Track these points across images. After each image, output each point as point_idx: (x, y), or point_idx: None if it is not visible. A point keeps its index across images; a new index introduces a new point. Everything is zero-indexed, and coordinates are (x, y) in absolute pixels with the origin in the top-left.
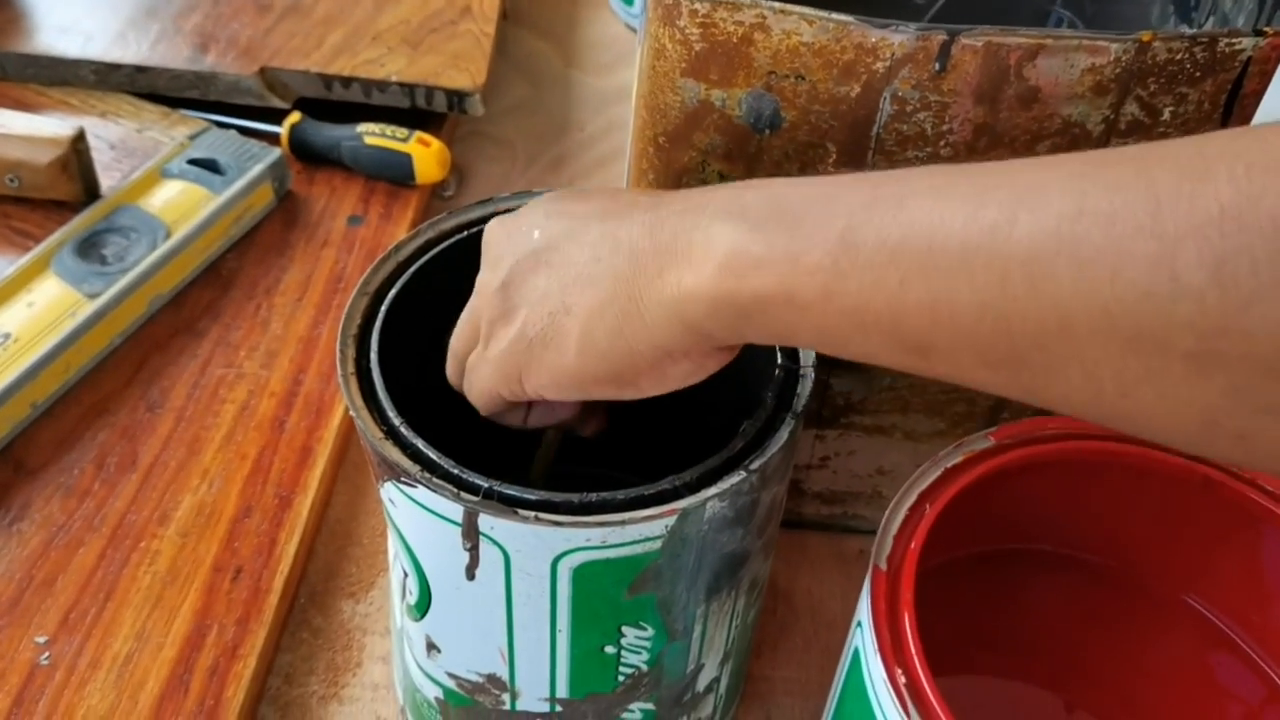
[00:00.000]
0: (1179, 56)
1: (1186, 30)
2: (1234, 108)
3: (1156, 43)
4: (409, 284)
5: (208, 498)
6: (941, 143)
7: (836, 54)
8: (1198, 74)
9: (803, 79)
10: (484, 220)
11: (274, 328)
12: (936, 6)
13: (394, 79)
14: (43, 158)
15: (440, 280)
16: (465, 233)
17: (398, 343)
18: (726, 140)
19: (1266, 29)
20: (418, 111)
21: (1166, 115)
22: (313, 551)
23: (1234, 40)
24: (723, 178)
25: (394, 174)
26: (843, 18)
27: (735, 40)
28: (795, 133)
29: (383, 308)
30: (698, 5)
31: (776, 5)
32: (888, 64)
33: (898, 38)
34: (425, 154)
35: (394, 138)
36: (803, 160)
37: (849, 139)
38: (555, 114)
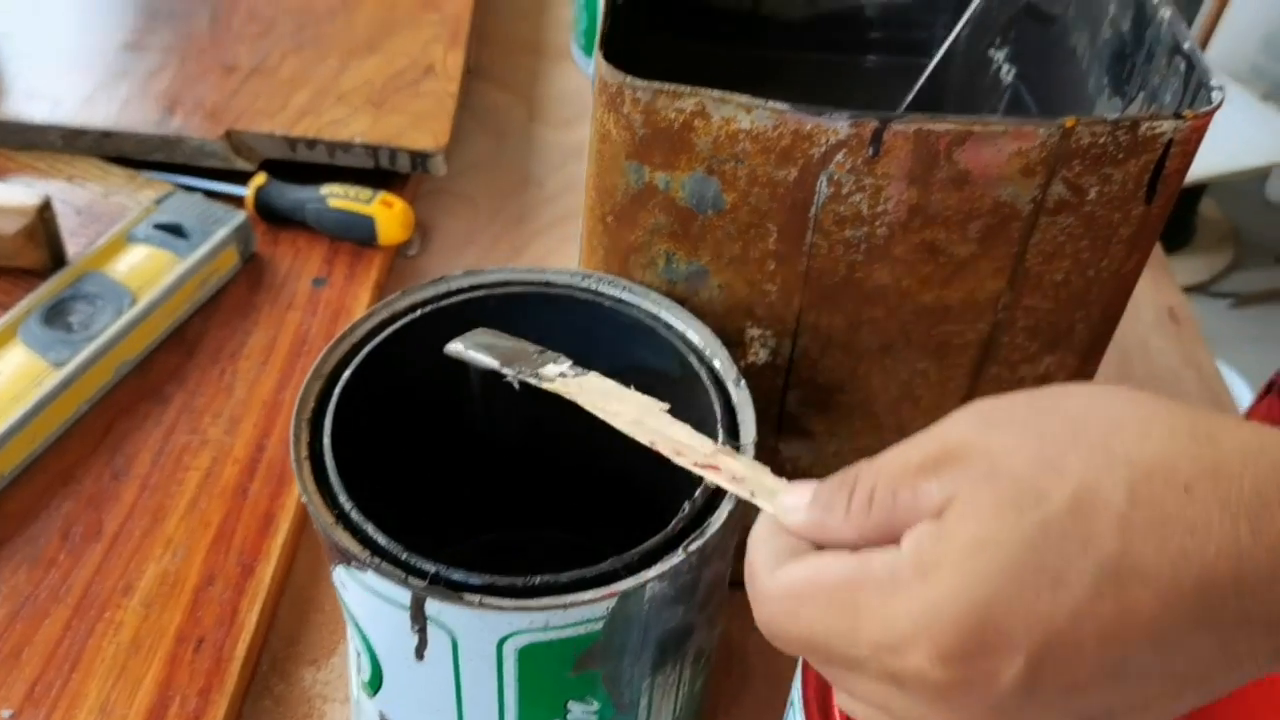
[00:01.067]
0: (1102, 140)
1: (1108, 116)
2: (1157, 186)
3: (1080, 127)
4: (363, 365)
5: (171, 566)
6: (877, 222)
7: (774, 140)
8: (1121, 156)
9: (742, 163)
10: (436, 299)
11: (238, 392)
12: (917, 88)
13: (358, 140)
14: (9, 227)
15: (394, 360)
16: (419, 312)
17: (353, 423)
18: (671, 220)
19: (1186, 113)
20: (382, 170)
21: (1092, 195)
22: (275, 618)
23: (1155, 124)
24: (669, 256)
25: (358, 235)
26: (779, 106)
27: (677, 127)
28: (737, 213)
29: (336, 390)
30: (639, 94)
31: (715, 94)
32: (823, 149)
33: (832, 125)
34: (388, 215)
35: (357, 200)
36: (744, 239)
37: (788, 219)
38: (518, 168)
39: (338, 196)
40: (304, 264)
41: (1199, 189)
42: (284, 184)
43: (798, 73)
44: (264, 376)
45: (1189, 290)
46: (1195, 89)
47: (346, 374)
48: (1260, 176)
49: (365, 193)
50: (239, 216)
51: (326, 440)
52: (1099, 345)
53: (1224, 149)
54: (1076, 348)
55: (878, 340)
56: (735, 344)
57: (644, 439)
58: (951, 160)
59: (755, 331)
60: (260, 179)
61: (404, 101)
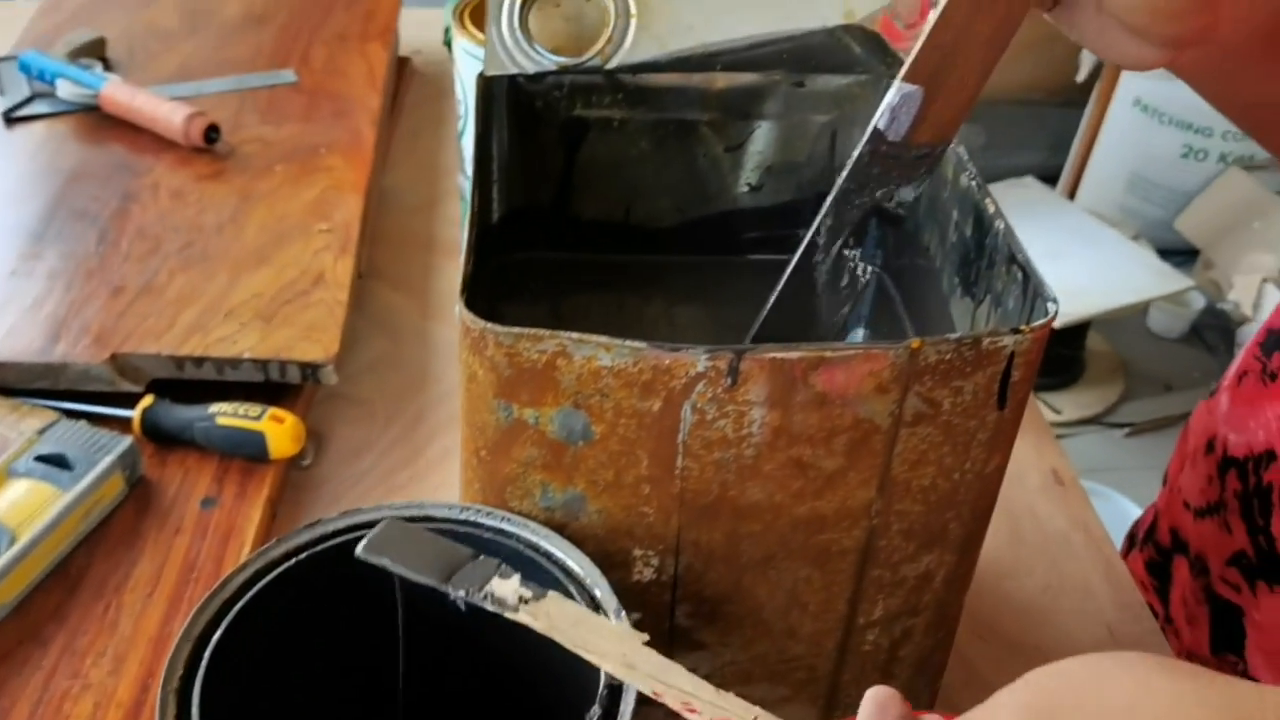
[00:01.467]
0: (949, 357)
1: (951, 335)
2: (1006, 393)
3: (926, 348)
4: (234, 624)
5: None
6: (744, 444)
7: (635, 375)
8: (968, 369)
9: (607, 397)
10: (313, 544)
11: (123, 628)
12: (779, 288)
13: (246, 356)
14: None
15: (270, 614)
16: (293, 560)
17: (227, 685)
18: (544, 453)
19: (1023, 328)
20: (273, 383)
21: (947, 406)
22: None
23: (996, 339)
24: (544, 486)
25: (248, 452)
26: (636, 344)
27: (540, 366)
28: (607, 443)
29: (206, 654)
30: (501, 338)
31: (575, 336)
32: (684, 381)
33: (690, 358)
34: (279, 431)
35: (246, 416)
36: (617, 467)
37: (657, 446)
38: (413, 368)
39: (226, 414)
40: (193, 484)
41: (1085, 325)
42: (172, 404)
43: (672, 274)
44: (150, 609)
45: (1084, 423)
46: (1033, 298)
47: (217, 634)
48: (1142, 310)
49: (254, 409)
50: (125, 442)
51: (195, 713)
52: (974, 540)
53: (1104, 289)
54: (952, 545)
55: (758, 552)
56: (620, 564)
57: (645, 688)
58: (808, 384)
59: (638, 551)
60: (147, 400)
61: (294, 313)
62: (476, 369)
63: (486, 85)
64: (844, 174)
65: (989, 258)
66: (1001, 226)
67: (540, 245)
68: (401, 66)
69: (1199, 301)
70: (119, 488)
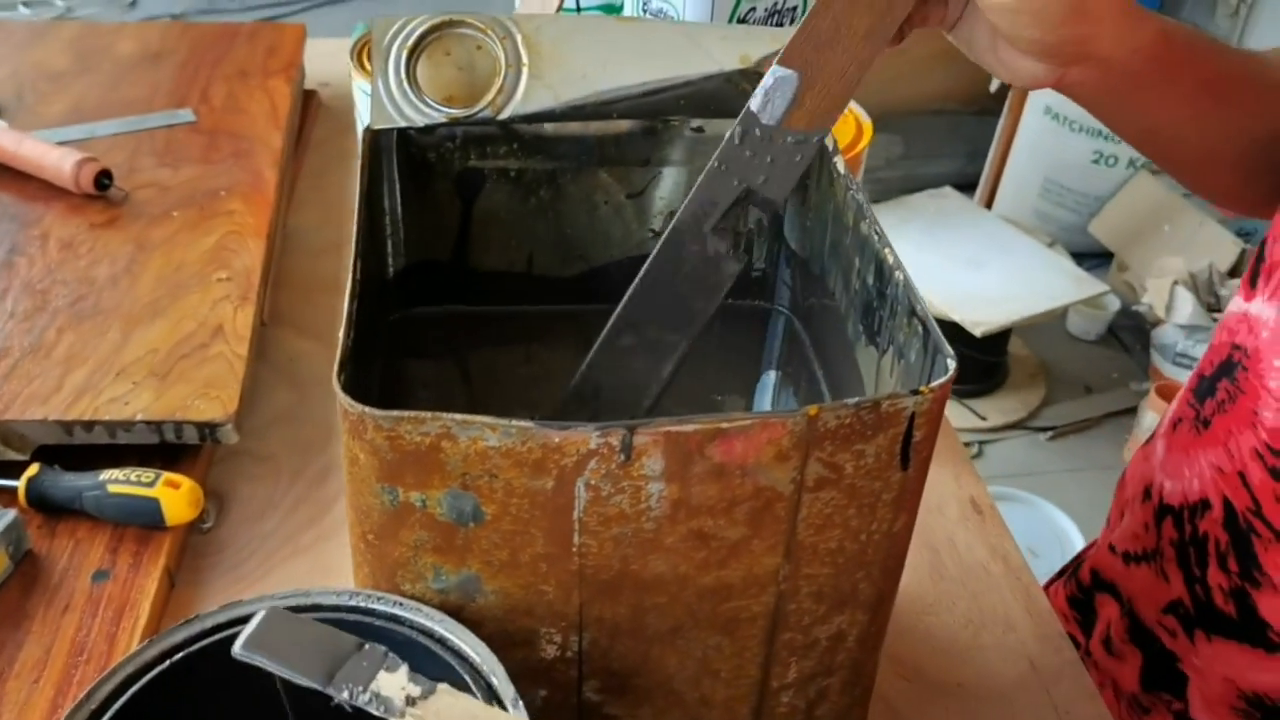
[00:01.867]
0: (847, 421)
1: (849, 400)
2: (909, 454)
3: (824, 413)
4: None
5: None
6: (642, 518)
7: (524, 455)
8: (869, 432)
9: (496, 477)
10: (189, 642)
11: (6, 718)
12: (628, 297)
13: (139, 417)
14: None
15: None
16: (167, 662)
17: None
18: (434, 535)
19: (923, 389)
20: (169, 444)
21: (850, 469)
22: None
23: (895, 401)
24: (437, 568)
25: (143, 520)
26: (523, 424)
27: (424, 449)
28: (499, 523)
29: None
30: (382, 421)
31: (459, 417)
32: (575, 459)
33: (580, 436)
34: (174, 497)
35: (139, 483)
36: (511, 546)
37: (553, 524)
38: (320, 420)
39: (118, 482)
40: (84, 557)
41: (1007, 332)
42: (61, 472)
43: (581, 323)
44: (36, 697)
45: (1008, 428)
46: (933, 353)
47: None
48: (1060, 314)
49: (148, 474)
50: (8, 516)
51: None
52: (886, 598)
53: (1024, 296)
54: (864, 604)
55: (665, 624)
56: (523, 642)
57: None
58: (705, 455)
59: (541, 629)
60: (33, 469)
61: (190, 369)
62: (358, 453)
63: (374, 139)
64: (715, 154)
65: (890, 308)
66: (901, 278)
67: (442, 299)
68: (308, 100)
69: (1115, 304)
70: (2, 564)
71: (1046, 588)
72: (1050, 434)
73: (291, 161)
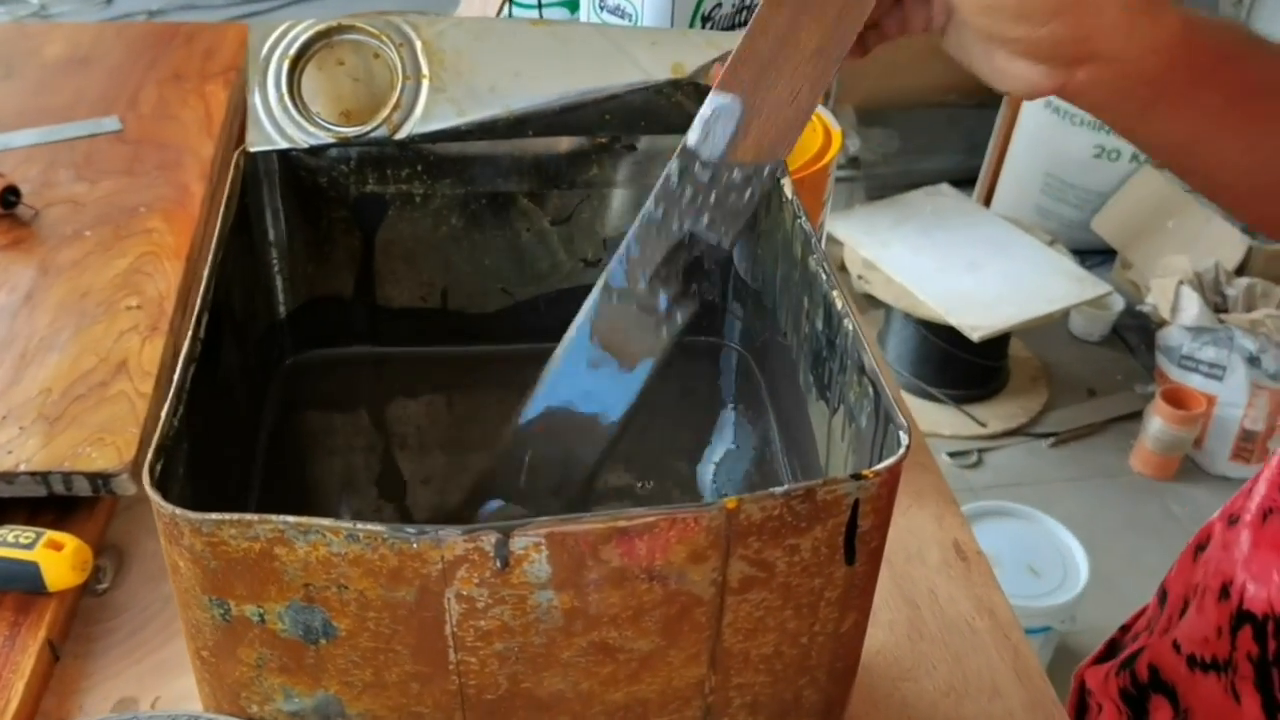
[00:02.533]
0: (777, 513)
1: (777, 490)
2: (855, 545)
3: (747, 505)
4: None
5: None
6: (531, 632)
7: (377, 563)
8: (803, 524)
9: (347, 588)
10: None
11: None
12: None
13: (22, 468)
14: None
15: None
16: None
17: None
18: (278, 654)
19: (866, 471)
20: (61, 496)
21: (782, 566)
22: None
23: (834, 488)
24: (285, 689)
25: (22, 585)
26: (373, 527)
27: (255, 555)
28: (357, 639)
29: None
30: (200, 525)
31: (293, 520)
32: (440, 567)
33: (442, 541)
34: (56, 560)
35: (17, 544)
36: (375, 665)
37: (421, 641)
38: None
39: None
40: None
41: (1007, 335)
42: None
43: (508, 365)
44: None
45: (1008, 435)
46: (884, 420)
47: None
48: (1062, 316)
49: (28, 534)
50: None
51: None
52: (836, 703)
53: (1024, 299)
54: (810, 712)
55: None
56: None
57: None
58: (601, 559)
59: None
60: None
61: (84, 411)
62: (177, 560)
63: (249, 164)
64: (651, 197)
65: (840, 360)
66: (851, 327)
67: (348, 339)
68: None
69: (1119, 304)
70: None
71: (1092, 664)
72: (1052, 440)
73: (224, 173)
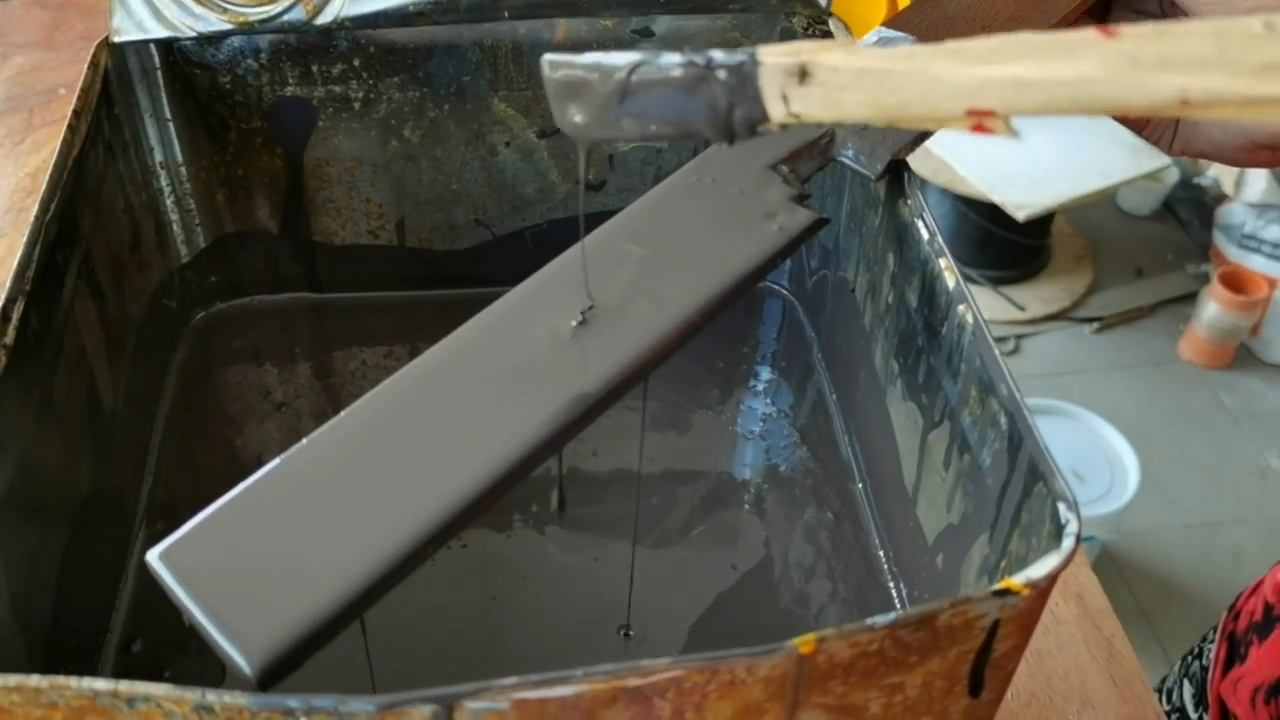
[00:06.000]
0: (875, 648)
1: (878, 621)
2: (984, 675)
3: (831, 643)
4: None
5: None
6: None
7: None
8: (913, 659)
9: None
10: None
11: None
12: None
13: None
14: None
15: None
16: None
17: None
18: None
19: (1015, 585)
20: None
21: (875, 709)
22: None
23: (964, 609)
24: None
25: None
26: (237, 698)
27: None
28: None
29: None
30: None
31: (104, 685)
32: None
33: (339, 713)
34: None
35: None
36: None
37: None
38: None
39: None
40: None
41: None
42: None
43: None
44: None
45: (1049, 319)
46: (1026, 476)
47: None
48: (1114, 192)
49: None
50: None
51: None
52: None
53: (1073, 173)
54: None
55: None
56: None
57: None
58: None
59: None
60: None
61: None
62: None
63: (116, 59)
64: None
65: (949, 360)
66: (970, 320)
67: (277, 285)
68: None
69: (1173, 176)
70: None
71: (1222, 675)
72: (1096, 325)
73: None
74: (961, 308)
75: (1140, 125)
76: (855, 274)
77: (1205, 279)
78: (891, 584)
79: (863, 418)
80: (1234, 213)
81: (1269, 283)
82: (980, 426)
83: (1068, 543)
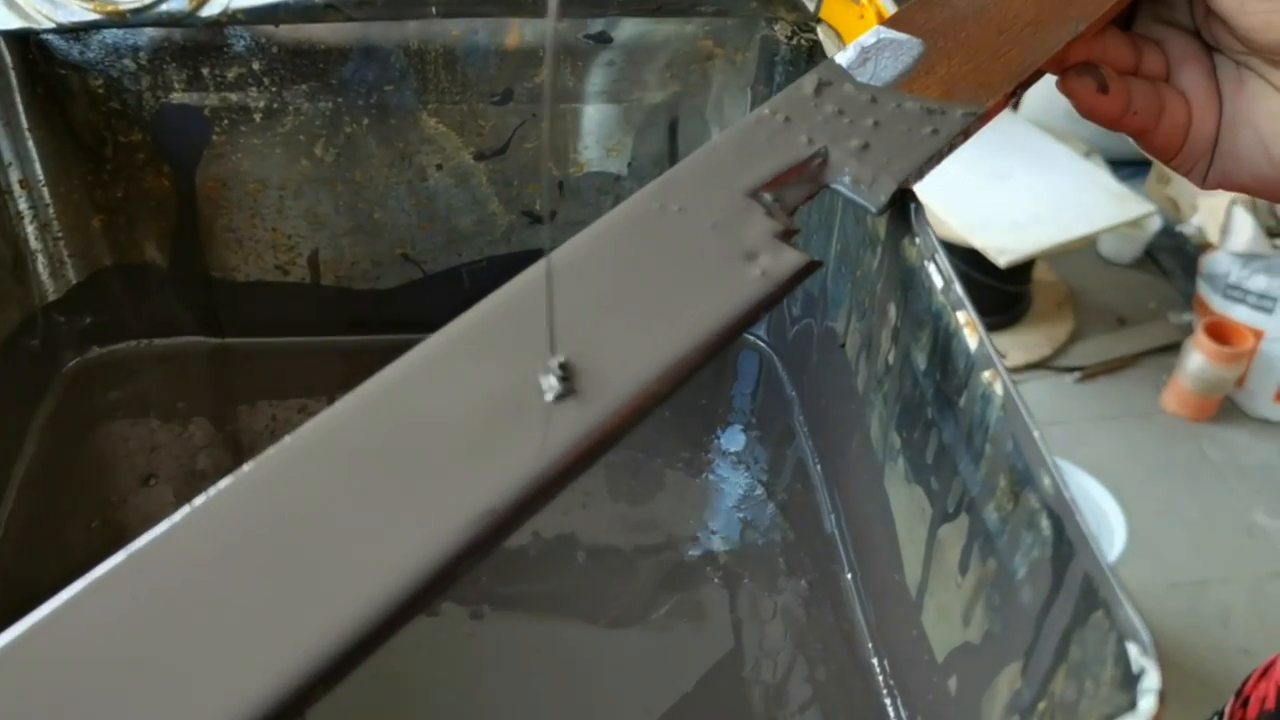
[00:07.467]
0: None
1: None
2: None
3: None
4: None
5: None
6: None
7: None
8: None
9: None
10: None
11: None
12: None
13: None
14: None
15: None
16: None
17: None
18: None
19: None
20: None
21: None
22: None
23: None
24: None
25: None
26: None
27: None
28: None
29: None
30: None
31: None
32: None
33: None
34: None
35: None
36: None
37: None
38: None
39: None
40: None
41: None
42: None
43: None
44: None
45: (1032, 367)
46: (1085, 596)
47: None
48: (1096, 237)
49: None
50: None
51: None
52: None
53: (1056, 218)
54: None
55: None
56: None
57: None
58: None
59: None
60: None
61: None
62: None
63: None
64: (768, 103)
65: (968, 438)
66: (999, 391)
67: (168, 328)
68: None
69: (1156, 224)
70: None
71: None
72: (1079, 375)
73: None
74: (988, 374)
75: (1171, 155)
76: (846, 326)
77: (1188, 329)
78: (888, 699)
79: (854, 495)
80: (1218, 262)
81: (1254, 334)
82: (1012, 526)
83: (1146, 703)
